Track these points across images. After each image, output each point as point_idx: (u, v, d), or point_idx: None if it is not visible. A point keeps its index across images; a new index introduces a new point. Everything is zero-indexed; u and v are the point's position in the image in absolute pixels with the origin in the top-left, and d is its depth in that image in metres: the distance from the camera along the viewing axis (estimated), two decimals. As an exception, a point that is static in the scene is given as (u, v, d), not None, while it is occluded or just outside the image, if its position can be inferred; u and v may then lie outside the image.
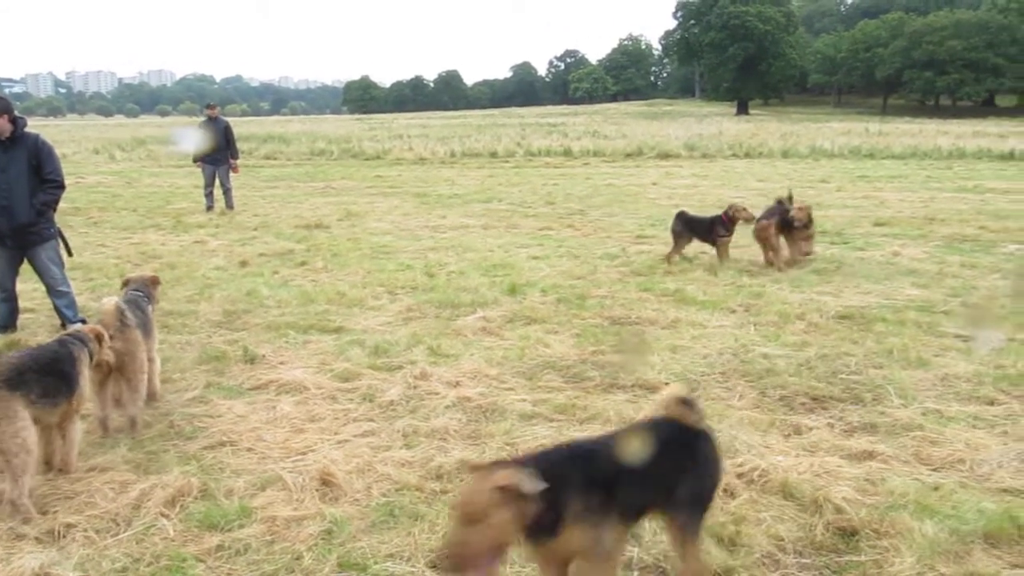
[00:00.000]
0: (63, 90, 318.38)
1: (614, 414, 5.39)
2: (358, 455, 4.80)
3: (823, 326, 7.44)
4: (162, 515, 4.18)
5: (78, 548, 3.89)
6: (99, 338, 4.90)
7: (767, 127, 43.79)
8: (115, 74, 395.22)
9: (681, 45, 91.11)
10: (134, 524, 4.11)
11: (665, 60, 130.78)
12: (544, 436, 5.06)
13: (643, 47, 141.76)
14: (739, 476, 4.47)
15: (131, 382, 5.25)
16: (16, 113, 7.22)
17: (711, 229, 10.30)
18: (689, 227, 10.39)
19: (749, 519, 4.01)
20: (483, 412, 5.51)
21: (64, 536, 4.02)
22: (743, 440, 4.93)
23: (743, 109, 79.50)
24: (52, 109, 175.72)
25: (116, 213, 16.37)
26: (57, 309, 7.62)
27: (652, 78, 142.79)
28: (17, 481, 4.13)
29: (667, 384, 5.94)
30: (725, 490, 4.31)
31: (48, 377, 4.37)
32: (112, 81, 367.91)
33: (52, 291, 7.59)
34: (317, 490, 4.41)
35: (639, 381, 6.06)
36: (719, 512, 4.07)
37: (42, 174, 7.24)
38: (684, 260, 10.40)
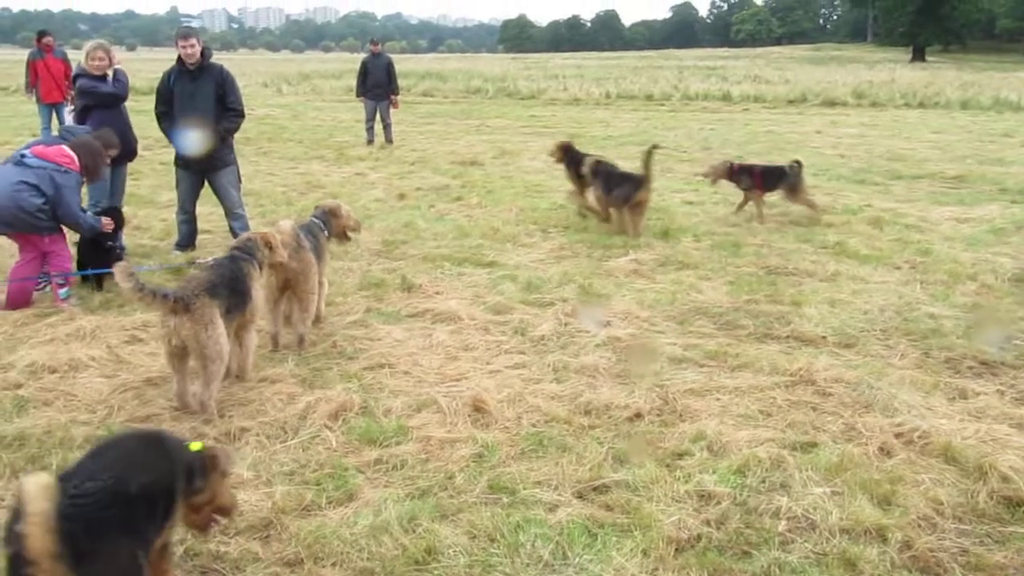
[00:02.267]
0: (235, 25, 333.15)
1: (767, 364, 5.29)
2: (509, 385, 4.93)
3: (997, 288, 7.01)
4: (326, 427, 4.44)
5: (251, 450, 4.21)
6: (269, 244, 5.16)
7: (945, 75, 40.84)
8: (283, 10, 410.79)
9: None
10: (300, 433, 4.39)
11: (836, 2, 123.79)
12: (693, 381, 5.04)
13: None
14: (897, 436, 4.33)
15: (302, 302, 5.56)
16: (206, 43, 7.65)
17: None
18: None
19: (906, 479, 3.89)
20: (633, 353, 5.53)
21: (239, 439, 4.35)
22: (903, 399, 4.75)
23: (919, 55, 74.20)
24: (225, 43, 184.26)
25: (283, 144, 17.12)
26: (232, 230, 8.10)
27: (820, 21, 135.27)
28: (209, 385, 4.50)
29: (823, 337, 5.80)
30: (881, 448, 4.20)
31: (230, 290, 4.70)
32: (280, 17, 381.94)
33: (229, 213, 8.07)
34: (469, 415, 4.57)
35: (794, 332, 5.91)
36: (873, 469, 3.97)
37: (225, 103, 7.65)
38: (848, 211, 9.96)
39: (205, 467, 2.92)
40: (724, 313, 6.33)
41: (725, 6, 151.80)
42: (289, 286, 5.55)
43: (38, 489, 2.19)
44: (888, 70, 43.90)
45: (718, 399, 4.81)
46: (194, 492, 2.86)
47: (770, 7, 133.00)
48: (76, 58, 8.60)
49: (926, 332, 5.91)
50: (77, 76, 7.66)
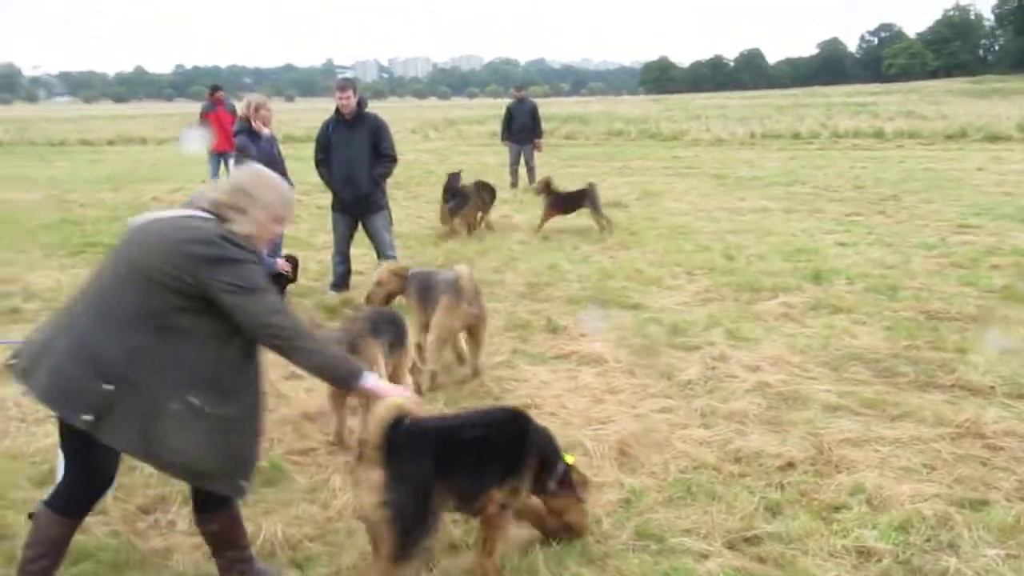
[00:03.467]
0: (385, 75, 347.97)
1: (930, 414, 5.02)
2: (656, 429, 4.88)
3: None
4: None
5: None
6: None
7: (1124, 106, 38.04)
8: (430, 59, 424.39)
9: (1018, 14, 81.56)
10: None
11: (998, 31, 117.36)
12: (850, 430, 4.85)
13: (972, 18, 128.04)
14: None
15: (479, 342, 5.90)
16: (361, 94, 8.04)
17: None
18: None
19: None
20: (784, 399, 5.38)
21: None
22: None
23: (1093, 85, 69.54)
24: (376, 92, 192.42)
25: (430, 188, 17.60)
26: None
27: (981, 52, 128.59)
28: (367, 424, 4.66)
29: (992, 387, 5.45)
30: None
31: (390, 326, 4.90)
32: (427, 66, 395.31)
33: (381, 255, 8.39)
34: (615, 459, 4.55)
35: (959, 381, 5.59)
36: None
37: (379, 149, 8.02)
38: (1016, 252, 9.37)
39: (564, 478, 3.56)
40: (881, 359, 6.06)
41: (876, 40, 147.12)
42: (469, 328, 5.84)
43: (391, 404, 3.05)
44: (1058, 102, 41.18)
45: (877, 450, 4.60)
46: (543, 485, 3.50)
47: (924, 40, 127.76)
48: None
49: (1110, 383, 5.47)
50: (238, 132, 8.03)
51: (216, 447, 2.97)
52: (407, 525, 3.02)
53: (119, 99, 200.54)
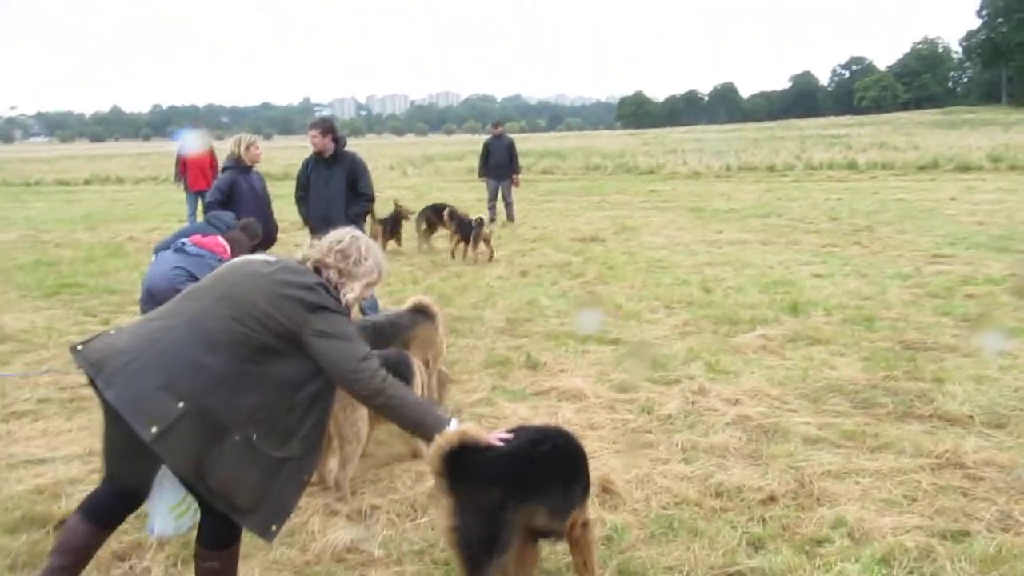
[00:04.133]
0: (363, 112, 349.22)
1: (909, 445, 5.04)
2: (637, 465, 4.85)
3: None
4: (454, 506, 4.47)
5: (382, 528, 4.26)
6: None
7: (1090, 135, 38.78)
8: (407, 96, 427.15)
9: (986, 46, 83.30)
10: (430, 511, 4.41)
11: (966, 64, 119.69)
12: (830, 462, 4.84)
13: (940, 50, 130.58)
14: (1061, 526, 4.02)
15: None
16: (339, 133, 8.05)
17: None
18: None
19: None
20: (764, 432, 5.37)
21: (370, 516, 4.42)
22: (1065, 486, 4.42)
23: (1060, 116, 70.93)
24: (354, 130, 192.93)
25: (408, 225, 17.63)
26: (361, 309, 8.37)
27: (950, 84, 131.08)
28: (345, 466, 4.59)
29: (971, 417, 5.48)
30: (1042, 539, 3.90)
31: (403, 367, 4.80)
32: (405, 103, 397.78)
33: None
34: (597, 496, 4.50)
35: (937, 411, 5.62)
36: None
37: (357, 188, 8.01)
38: (989, 281, 9.49)
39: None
40: (860, 391, 6.08)
41: (847, 73, 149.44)
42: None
43: (448, 434, 3.06)
44: (1026, 132, 41.94)
45: (858, 482, 4.59)
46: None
47: (895, 72, 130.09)
48: (221, 147, 9.13)
49: (1086, 411, 5.51)
50: (226, 169, 8.04)
51: (263, 486, 3.03)
52: (474, 551, 3.05)
53: (96, 138, 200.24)
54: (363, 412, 4.61)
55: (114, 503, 3.25)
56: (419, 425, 3.26)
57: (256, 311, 3.03)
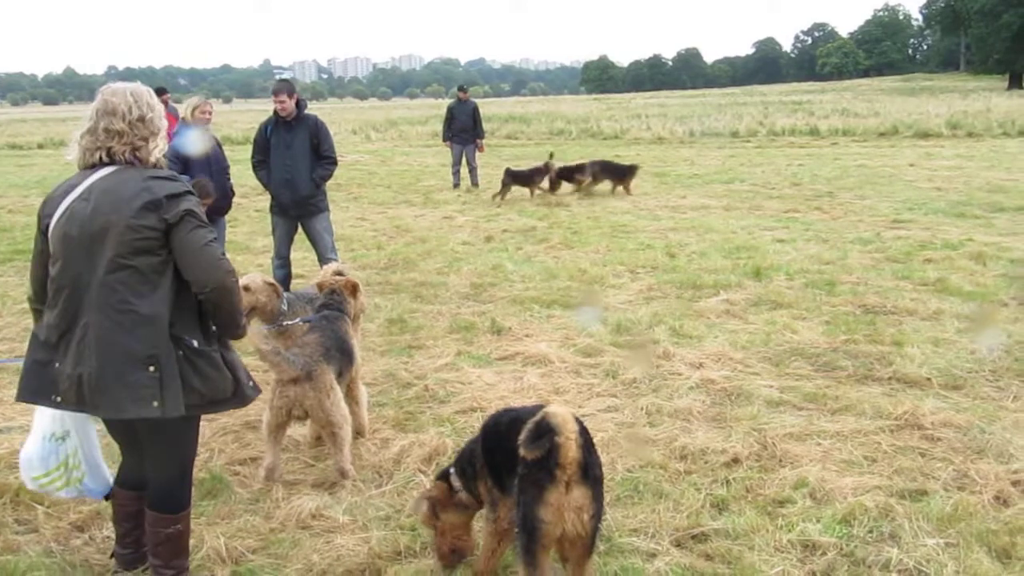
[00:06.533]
0: (325, 76, 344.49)
1: (869, 407, 5.12)
2: (602, 429, 4.87)
3: (1116, 325, 6.65)
4: (420, 471, 4.47)
5: (347, 495, 4.25)
6: (354, 291, 5.20)
7: (1045, 103, 39.38)
8: (370, 60, 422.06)
9: (946, 14, 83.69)
10: (395, 478, 4.42)
11: (926, 31, 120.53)
12: (792, 425, 4.91)
13: (900, 18, 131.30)
14: (1014, 484, 4.12)
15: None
16: (300, 95, 7.90)
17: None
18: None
19: (1027, 531, 3.68)
20: (728, 395, 5.43)
21: (335, 484, 4.40)
22: (1018, 444, 4.52)
23: (1016, 83, 71.65)
24: (315, 93, 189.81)
25: (372, 189, 17.52)
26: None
27: (910, 51, 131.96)
28: (343, 450, 4.44)
29: (928, 379, 5.57)
30: (997, 497, 3.99)
31: (339, 353, 4.66)
32: (367, 66, 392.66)
33: (322, 258, 8.25)
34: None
35: (896, 374, 5.71)
36: (989, 519, 3.78)
37: (320, 151, 7.89)
38: (948, 246, 9.63)
39: None
40: (821, 354, 6.16)
41: (809, 40, 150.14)
42: None
43: (569, 416, 2.92)
44: (984, 99, 42.41)
45: (819, 444, 4.66)
46: None
47: (856, 39, 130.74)
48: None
49: (1040, 372, 5.63)
50: (177, 132, 7.91)
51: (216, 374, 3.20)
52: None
53: (49, 101, 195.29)
54: (340, 394, 4.50)
55: (137, 469, 3.38)
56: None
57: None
